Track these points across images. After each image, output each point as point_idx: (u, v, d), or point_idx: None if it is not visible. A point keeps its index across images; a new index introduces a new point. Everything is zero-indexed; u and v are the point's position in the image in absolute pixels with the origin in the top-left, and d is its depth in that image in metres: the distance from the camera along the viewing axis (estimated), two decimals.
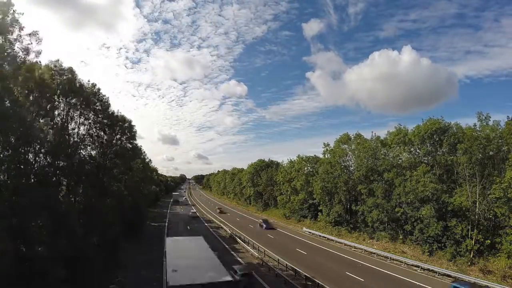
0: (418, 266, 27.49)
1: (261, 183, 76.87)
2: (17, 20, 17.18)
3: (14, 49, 17.46)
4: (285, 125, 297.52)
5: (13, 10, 17.03)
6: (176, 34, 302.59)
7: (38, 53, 19.70)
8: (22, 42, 17.77)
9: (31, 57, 19.43)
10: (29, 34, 18.12)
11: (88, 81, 28.05)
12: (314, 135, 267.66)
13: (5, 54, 16.74)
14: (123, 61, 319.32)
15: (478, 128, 30.14)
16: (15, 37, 17.31)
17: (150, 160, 63.10)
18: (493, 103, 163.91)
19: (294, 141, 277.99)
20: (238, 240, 38.38)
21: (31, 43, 18.30)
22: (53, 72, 24.28)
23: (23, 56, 18.24)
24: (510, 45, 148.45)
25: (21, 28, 17.44)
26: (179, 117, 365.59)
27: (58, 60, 24.98)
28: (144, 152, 55.25)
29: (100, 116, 28.49)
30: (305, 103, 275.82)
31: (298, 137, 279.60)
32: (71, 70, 25.55)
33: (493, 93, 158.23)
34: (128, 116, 38.86)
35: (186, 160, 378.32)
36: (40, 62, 22.84)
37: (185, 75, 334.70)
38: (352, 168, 45.79)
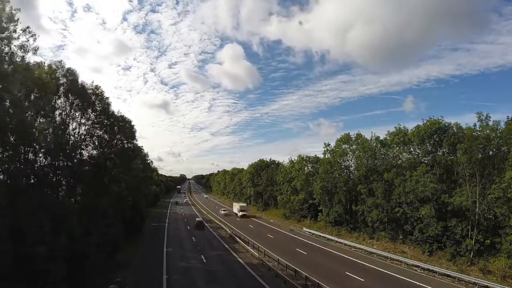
0: (418, 266, 27.48)
1: (261, 183, 76.85)
2: (14, 16, 16.90)
3: (11, 47, 17.27)
4: (277, 126, 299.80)
5: (10, 6, 16.77)
6: (163, 42, 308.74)
7: (35, 50, 19.24)
8: (18, 38, 17.47)
9: (29, 55, 19.21)
10: (23, 30, 17.64)
11: (92, 82, 28.15)
12: (309, 135, 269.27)
13: (3, 53, 16.57)
14: (115, 69, 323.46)
15: (478, 128, 30.13)
16: (11, 34, 17.00)
17: (151, 161, 63.34)
18: (485, 103, 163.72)
19: (288, 141, 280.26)
20: (238, 239, 38.46)
21: (28, 40, 18.02)
22: (54, 72, 24.33)
23: (21, 55, 18.05)
24: (497, 42, 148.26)
25: (16, 24, 17.04)
26: (172, 119, 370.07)
27: (61, 61, 25.07)
28: (146, 152, 55.49)
29: (101, 116, 28.52)
30: (294, 103, 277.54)
31: (292, 137, 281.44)
32: (72, 71, 25.61)
33: (483, 92, 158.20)
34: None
35: (158, 157, 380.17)
36: (44, 62, 22.93)
37: (175, 80, 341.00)
38: (352, 168, 45.81)
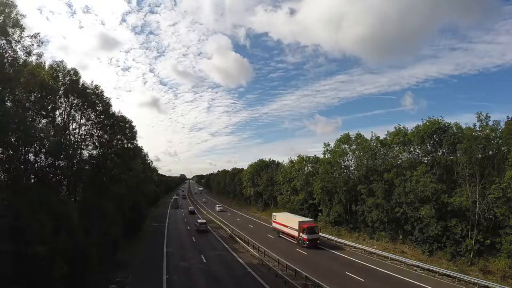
0: (418, 266, 27.50)
1: (261, 183, 76.84)
2: (19, 21, 17.18)
3: (15, 50, 17.49)
4: (277, 126, 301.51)
5: (15, 11, 17.05)
6: (162, 43, 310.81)
7: (39, 55, 20.05)
8: (23, 43, 17.81)
9: (33, 59, 19.64)
10: (31, 36, 18.18)
11: (92, 82, 28.19)
12: (308, 135, 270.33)
13: (6, 55, 16.75)
14: (115, 69, 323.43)
15: (478, 128, 30.17)
16: (16, 38, 17.33)
17: (151, 161, 63.45)
18: (483, 103, 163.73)
19: (288, 141, 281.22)
20: (238, 239, 38.47)
21: (33, 44, 18.37)
22: (56, 73, 24.38)
23: (24, 58, 18.30)
24: (496, 42, 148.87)
25: (22, 30, 17.46)
26: (171, 119, 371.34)
27: (63, 61, 25.16)
28: (147, 152, 55.55)
29: (101, 116, 28.58)
30: (293, 103, 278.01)
31: (291, 137, 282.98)
32: (75, 72, 25.66)
33: (482, 92, 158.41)
34: None
35: (156, 157, 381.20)
36: (44, 62, 23.03)
37: (174, 80, 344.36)
38: (352, 168, 45.83)
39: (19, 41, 17.38)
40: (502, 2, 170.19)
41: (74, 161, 25.53)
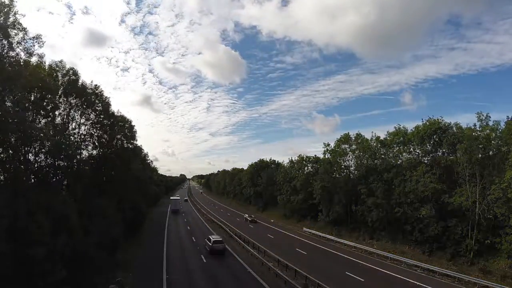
0: (418, 266, 27.48)
1: (261, 183, 76.83)
2: (19, 21, 17.19)
3: (16, 51, 17.53)
4: (276, 126, 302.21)
5: (15, 12, 17.05)
6: (161, 43, 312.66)
7: (41, 56, 20.22)
8: (24, 44, 17.88)
9: (34, 60, 19.75)
10: (33, 38, 18.30)
11: (91, 82, 28.20)
12: (308, 135, 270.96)
13: (6, 55, 16.76)
14: (114, 70, 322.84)
15: (478, 128, 30.16)
16: (18, 40, 17.38)
17: (150, 161, 63.39)
18: (483, 103, 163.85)
19: (287, 141, 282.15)
20: (238, 239, 38.44)
21: (34, 45, 18.45)
22: (55, 72, 24.37)
23: (25, 58, 18.35)
24: (494, 41, 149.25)
25: (24, 31, 17.51)
26: (171, 119, 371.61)
27: (62, 61, 25.14)
28: (147, 152, 55.57)
29: (101, 116, 28.59)
30: (292, 103, 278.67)
31: (291, 137, 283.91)
32: (74, 71, 25.64)
33: (481, 92, 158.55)
34: None
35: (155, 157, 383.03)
36: (45, 62, 23.08)
37: (173, 81, 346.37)
38: (352, 168, 45.85)
39: (20, 42, 17.40)
40: (502, 1, 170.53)
41: (74, 161, 25.49)
